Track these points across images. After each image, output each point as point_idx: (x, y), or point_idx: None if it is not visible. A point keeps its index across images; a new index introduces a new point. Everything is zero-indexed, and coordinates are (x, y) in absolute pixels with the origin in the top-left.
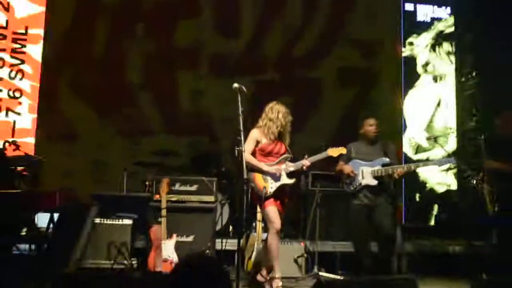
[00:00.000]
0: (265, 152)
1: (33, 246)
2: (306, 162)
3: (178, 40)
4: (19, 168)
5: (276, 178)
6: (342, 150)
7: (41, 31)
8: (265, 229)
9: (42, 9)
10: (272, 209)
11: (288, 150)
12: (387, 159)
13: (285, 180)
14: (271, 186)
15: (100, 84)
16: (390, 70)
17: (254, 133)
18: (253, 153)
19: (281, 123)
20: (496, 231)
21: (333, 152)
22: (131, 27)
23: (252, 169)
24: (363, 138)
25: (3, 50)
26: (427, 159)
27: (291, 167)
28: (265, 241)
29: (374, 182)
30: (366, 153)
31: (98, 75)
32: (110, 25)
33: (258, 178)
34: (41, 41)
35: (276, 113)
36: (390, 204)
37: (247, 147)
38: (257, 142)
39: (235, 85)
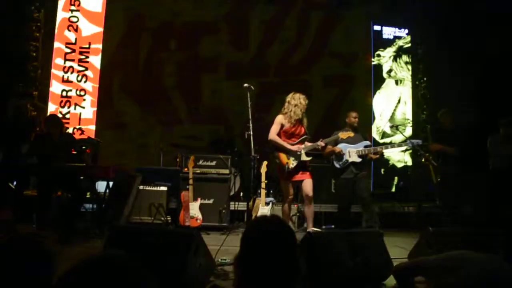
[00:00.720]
0: (289, 133)
1: (94, 206)
2: (321, 143)
3: (202, 52)
4: (84, 147)
5: (296, 155)
6: (350, 134)
7: (100, 46)
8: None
9: (101, 29)
10: (285, 185)
11: (306, 132)
12: (368, 142)
13: (304, 157)
14: (293, 162)
15: (143, 86)
16: (363, 76)
17: (279, 118)
18: (278, 135)
19: (303, 106)
20: (438, 196)
21: (343, 135)
22: (166, 42)
23: (277, 147)
24: (347, 126)
25: (73, 60)
26: (390, 142)
27: (309, 146)
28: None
29: (359, 160)
30: (350, 139)
31: (141, 78)
32: (151, 41)
33: (282, 155)
34: (100, 53)
35: (298, 99)
36: (367, 178)
37: (273, 129)
38: (282, 126)
39: (245, 85)
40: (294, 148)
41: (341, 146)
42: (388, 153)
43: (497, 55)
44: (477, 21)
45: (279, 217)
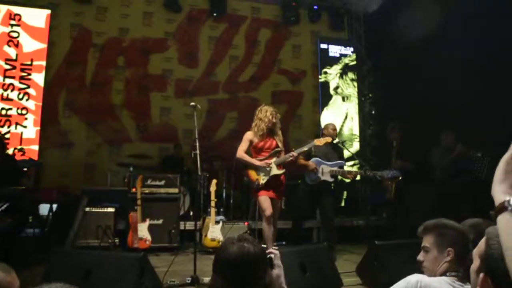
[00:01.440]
0: (257, 148)
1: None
2: (294, 153)
3: (150, 69)
4: (24, 169)
5: (266, 171)
6: (328, 140)
7: (43, 63)
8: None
9: (44, 45)
10: (263, 199)
11: (278, 145)
12: (343, 162)
13: (274, 171)
14: (263, 178)
15: (90, 104)
16: (311, 92)
17: (247, 135)
18: (248, 152)
19: (269, 120)
20: (385, 210)
21: (319, 141)
22: (114, 59)
23: (246, 165)
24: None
25: (13, 77)
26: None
27: (281, 159)
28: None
29: (330, 179)
30: (324, 153)
31: (88, 96)
32: (98, 58)
33: (251, 172)
34: (44, 70)
35: (264, 112)
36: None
37: (241, 147)
38: (250, 142)
39: (191, 103)
40: (262, 164)
41: (315, 161)
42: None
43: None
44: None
45: (250, 238)
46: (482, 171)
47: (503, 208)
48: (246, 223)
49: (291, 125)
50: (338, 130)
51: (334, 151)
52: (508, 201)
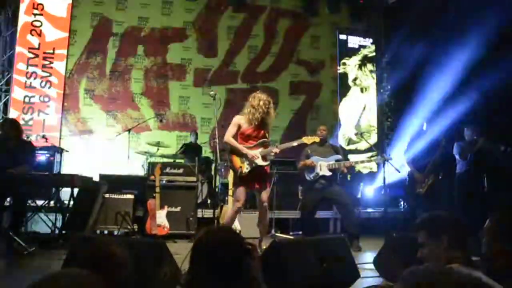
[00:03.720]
0: (244, 135)
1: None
2: (275, 149)
3: (170, 59)
4: (47, 155)
5: (251, 160)
6: (316, 139)
7: (64, 51)
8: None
9: (66, 34)
10: (240, 190)
11: (266, 135)
12: (339, 156)
13: (260, 162)
14: (247, 167)
15: (110, 92)
16: (329, 83)
17: (236, 119)
18: (235, 136)
19: (262, 110)
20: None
21: (307, 140)
22: (134, 48)
23: (232, 150)
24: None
25: (36, 65)
26: (356, 149)
27: (265, 151)
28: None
29: (329, 173)
30: (320, 152)
31: (108, 84)
32: (118, 47)
33: (235, 159)
34: (65, 59)
35: (257, 100)
36: (338, 185)
37: (229, 130)
38: (239, 127)
39: (211, 92)
40: (250, 152)
41: (313, 159)
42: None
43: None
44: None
45: (229, 227)
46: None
47: None
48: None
49: (309, 116)
50: (356, 121)
51: (332, 151)
52: None
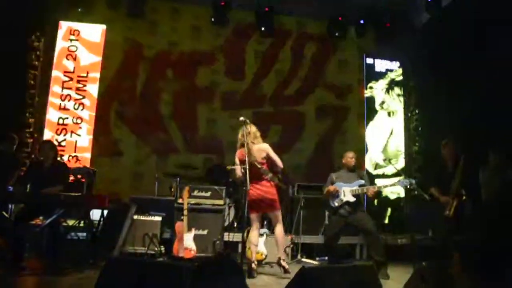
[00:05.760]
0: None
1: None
2: None
3: (198, 82)
4: (79, 176)
5: None
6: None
7: (97, 74)
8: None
9: (99, 58)
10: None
11: None
12: (362, 181)
13: None
14: None
15: (140, 114)
16: (356, 107)
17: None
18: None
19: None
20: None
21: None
22: (163, 71)
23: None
24: (343, 167)
25: (70, 88)
26: (383, 174)
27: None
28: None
29: (353, 199)
30: (345, 178)
31: (138, 107)
32: (148, 70)
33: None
34: (98, 82)
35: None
36: (363, 212)
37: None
38: None
39: (241, 118)
40: None
41: (337, 185)
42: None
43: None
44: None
45: None
46: None
47: None
48: (290, 237)
49: (336, 140)
50: (383, 145)
51: (356, 176)
52: None
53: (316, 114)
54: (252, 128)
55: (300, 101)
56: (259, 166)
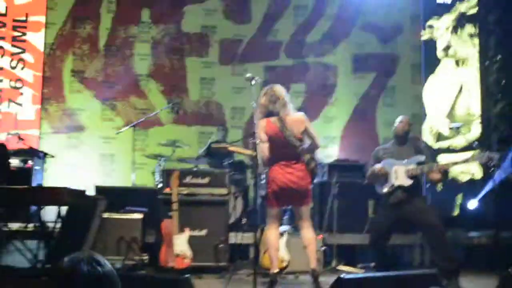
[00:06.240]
0: None
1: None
2: None
3: (186, 26)
4: (23, 162)
5: None
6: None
7: (42, 18)
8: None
9: None
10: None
11: None
12: (422, 157)
13: None
14: None
15: (106, 74)
16: (409, 55)
17: None
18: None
19: None
20: None
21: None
22: (137, 13)
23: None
24: (394, 138)
25: (3, 38)
26: (448, 148)
27: None
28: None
29: (408, 182)
30: (397, 153)
31: (103, 64)
32: (114, 12)
33: None
34: (43, 29)
35: None
36: (423, 200)
37: None
38: None
39: (247, 75)
40: None
41: (385, 163)
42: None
43: None
44: None
45: None
46: None
47: None
48: (320, 236)
49: (381, 102)
50: (449, 108)
51: (412, 150)
52: None
53: (353, 66)
54: (279, 91)
55: (329, 49)
56: (297, 144)
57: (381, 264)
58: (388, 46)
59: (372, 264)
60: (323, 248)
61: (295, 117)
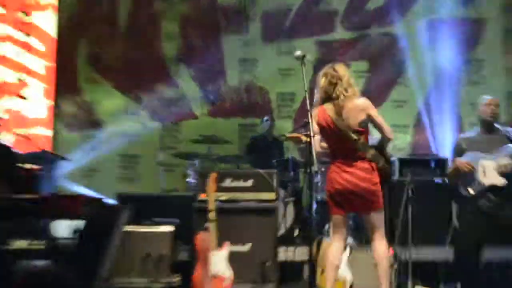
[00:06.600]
0: None
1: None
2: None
3: None
4: (32, 167)
5: None
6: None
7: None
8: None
9: None
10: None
11: None
12: None
13: None
14: None
15: (127, 59)
16: (497, 17)
17: None
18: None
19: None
20: None
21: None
22: None
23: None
24: (479, 124)
25: (5, 22)
26: None
27: None
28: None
29: (502, 181)
30: (485, 144)
31: (123, 47)
32: None
33: None
34: (53, 10)
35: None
36: None
37: None
38: None
39: (297, 52)
40: None
41: (469, 157)
42: None
43: None
44: None
45: None
46: None
47: None
48: (391, 251)
49: (465, 79)
50: None
51: (504, 139)
52: None
53: (426, 37)
54: (342, 70)
55: (395, 17)
56: (354, 137)
57: (469, 285)
58: (470, 8)
59: (458, 286)
60: (395, 265)
61: (354, 104)
